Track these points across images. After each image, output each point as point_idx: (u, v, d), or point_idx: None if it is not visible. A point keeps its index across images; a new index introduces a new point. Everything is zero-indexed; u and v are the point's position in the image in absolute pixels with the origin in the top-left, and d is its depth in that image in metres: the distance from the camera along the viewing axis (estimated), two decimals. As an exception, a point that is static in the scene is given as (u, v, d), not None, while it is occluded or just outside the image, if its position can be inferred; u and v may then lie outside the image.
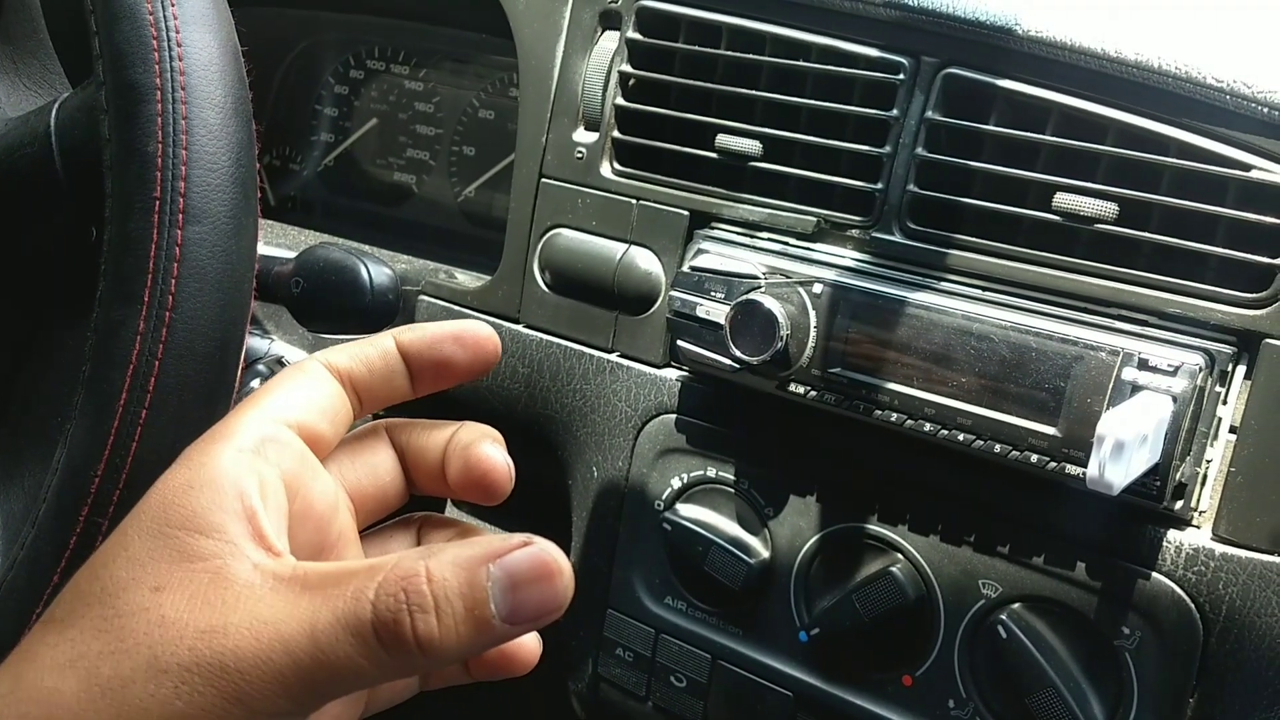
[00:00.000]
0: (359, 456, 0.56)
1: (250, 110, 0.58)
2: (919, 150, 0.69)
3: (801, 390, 0.71)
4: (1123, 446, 0.56)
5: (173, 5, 0.55)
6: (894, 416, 0.68)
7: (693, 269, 0.75)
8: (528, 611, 0.42)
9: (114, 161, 0.55)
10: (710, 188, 0.78)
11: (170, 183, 0.54)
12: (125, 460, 0.53)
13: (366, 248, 0.98)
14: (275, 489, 0.47)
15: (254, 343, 0.96)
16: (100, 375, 0.53)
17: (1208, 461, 0.62)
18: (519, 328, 0.87)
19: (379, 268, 0.82)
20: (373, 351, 0.54)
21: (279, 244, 1.06)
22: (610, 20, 0.83)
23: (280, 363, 0.94)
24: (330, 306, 0.83)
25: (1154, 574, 0.63)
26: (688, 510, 0.78)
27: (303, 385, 0.51)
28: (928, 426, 0.66)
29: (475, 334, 0.54)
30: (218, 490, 0.45)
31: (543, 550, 0.42)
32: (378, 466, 0.56)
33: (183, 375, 0.54)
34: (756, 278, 0.72)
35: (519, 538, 0.43)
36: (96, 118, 0.57)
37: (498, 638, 0.42)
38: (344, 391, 0.53)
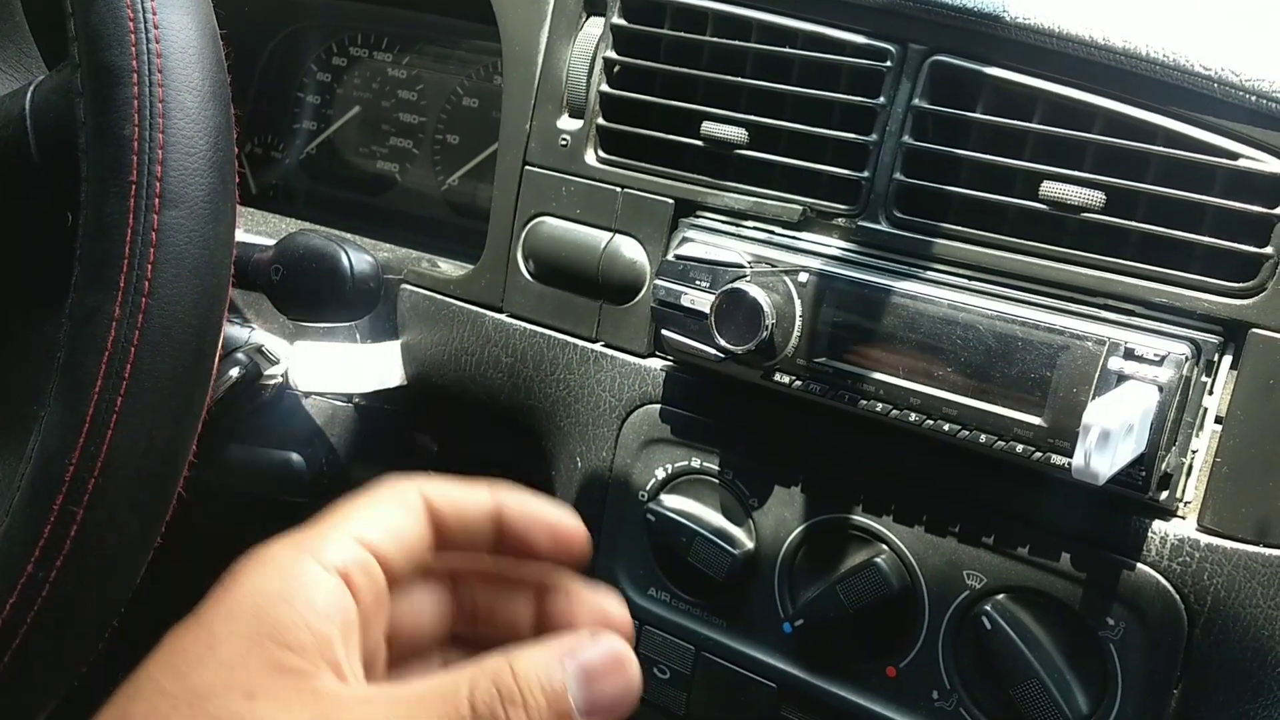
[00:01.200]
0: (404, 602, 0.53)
1: (228, 94, 0.57)
2: (905, 138, 0.69)
3: (787, 380, 0.70)
4: (1108, 436, 0.55)
5: None
6: (879, 407, 0.67)
7: (677, 257, 0.74)
8: (604, 702, 0.44)
9: (89, 145, 0.54)
10: (695, 176, 0.77)
11: (146, 166, 0.53)
12: (100, 448, 0.52)
13: (349, 236, 0.97)
14: (352, 622, 0.46)
15: (233, 331, 0.95)
16: (75, 362, 0.53)
17: (1193, 452, 0.62)
18: (502, 317, 0.86)
19: (360, 255, 0.81)
20: (472, 507, 0.52)
21: (260, 232, 1.05)
22: (595, 6, 0.82)
23: (260, 351, 0.92)
24: (310, 294, 0.82)
25: (1139, 565, 0.63)
26: (672, 501, 0.77)
27: (397, 512, 0.49)
28: (913, 417, 0.66)
29: (569, 532, 0.54)
30: (309, 609, 0.44)
31: (612, 645, 0.45)
32: (420, 614, 0.53)
33: (159, 362, 0.53)
34: (742, 266, 0.71)
35: (587, 632, 0.46)
36: (72, 100, 0.56)
37: None
38: (429, 531, 0.50)
